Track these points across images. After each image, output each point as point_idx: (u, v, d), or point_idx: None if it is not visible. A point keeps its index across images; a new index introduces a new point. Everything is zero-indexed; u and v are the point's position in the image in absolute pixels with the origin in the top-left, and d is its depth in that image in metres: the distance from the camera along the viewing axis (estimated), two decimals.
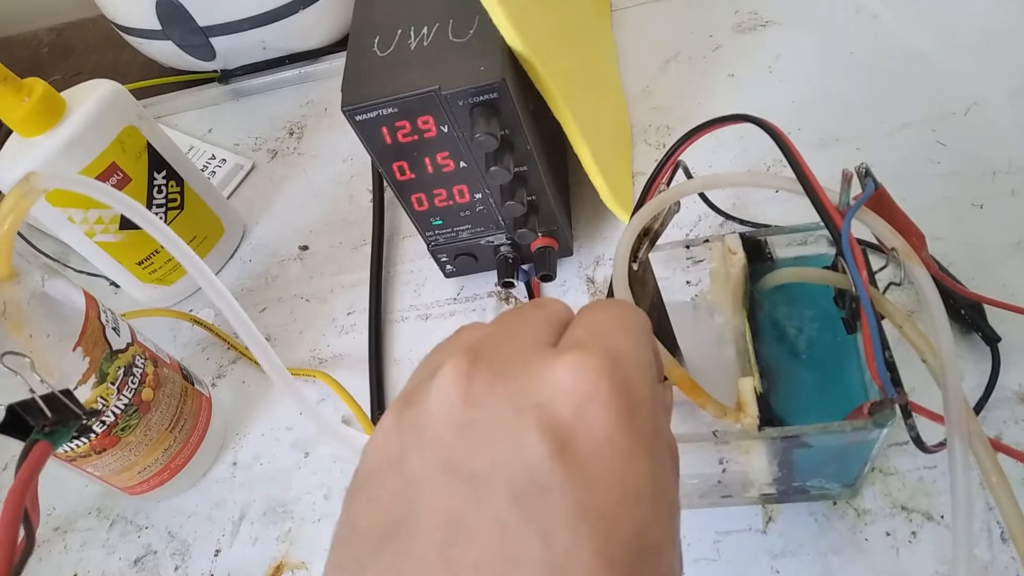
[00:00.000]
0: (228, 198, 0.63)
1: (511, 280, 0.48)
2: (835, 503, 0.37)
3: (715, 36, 0.59)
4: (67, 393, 0.30)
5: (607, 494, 0.20)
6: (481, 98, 0.39)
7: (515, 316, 0.25)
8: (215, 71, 0.71)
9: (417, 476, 0.21)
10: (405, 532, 0.20)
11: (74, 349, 0.39)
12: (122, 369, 0.42)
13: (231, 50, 0.68)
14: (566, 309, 0.26)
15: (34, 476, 0.26)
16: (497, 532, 0.19)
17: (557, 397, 0.21)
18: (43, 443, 0.27)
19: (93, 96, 0.48)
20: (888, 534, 0.36)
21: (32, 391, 0.30)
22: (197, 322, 0.56)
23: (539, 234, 0.47)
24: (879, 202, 0.32)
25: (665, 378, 0.30)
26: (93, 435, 0.41)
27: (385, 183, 0.57)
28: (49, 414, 0.29)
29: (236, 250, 0.60)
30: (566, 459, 0.20)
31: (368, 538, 0.21)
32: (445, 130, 0.41)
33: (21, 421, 0.28)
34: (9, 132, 0.48)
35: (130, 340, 0.43)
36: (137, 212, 0.36)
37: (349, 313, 0.53)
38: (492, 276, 0.50)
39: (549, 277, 0.48)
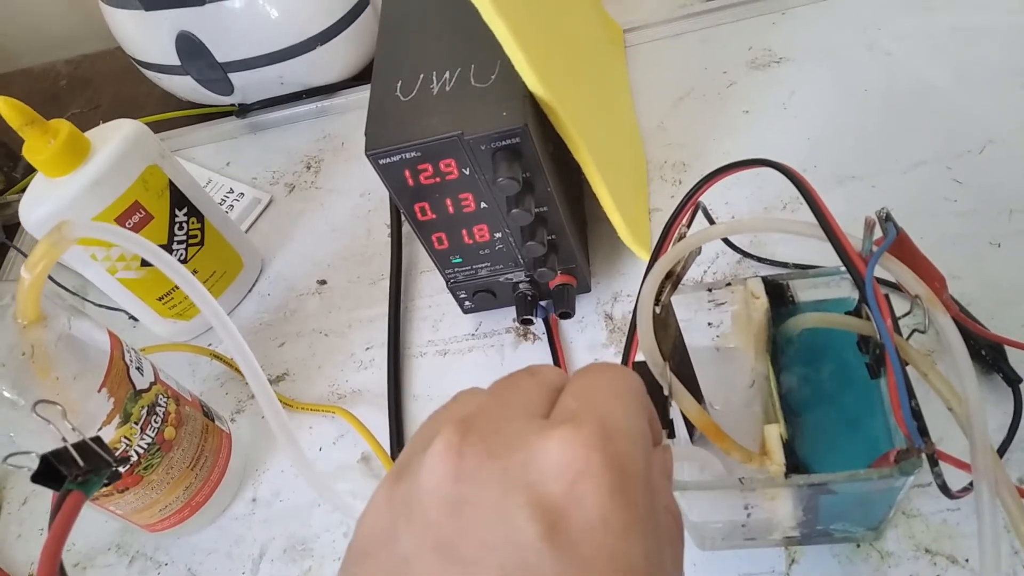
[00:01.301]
0: (246, 232, 0.63)
1: (530, 317, 0.48)
2: (858, 545, 0.37)
3: (729, 73, 0.59)
4: (98, 440, 0.30)
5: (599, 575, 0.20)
6: (504, 143, 0.39)
7: (509, 385, 0.25)
8: (233, 105, 0.72)
9: (408, 555, 0.21)
10: None
11: (99, 390, 0.40)
12: (145, 409, 0.42)
13: (249, 85, 0.69)
14: (559, 375, 0.26)
15: (69, 528, 0.26)
16: None
17: (548, 474, 0.21)
18: (77, 493, 0.28)
19: (117, 136, 0.49)
20: None
21: (64, 439, 0.30)
22: (216, 357, 0.56)
23: (558, 272, 0.47)
24: (900, 246, 0.32)
25: (666, 438, 0.30)
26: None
27: (403, 218, 0.57)
28: (81, 463, 0.29)
29: (254, 284, 0.60)
30: (557, 540, 0.20)
31: None
32: (467, 173, 0.41)
33: (54, 471, 0.28)
34: (33, 170, 0.49)
35: (153, 379, 0.44)
36: (163, 260, 0.37)
37: (368, 348, 0.54)
38: (511, 312, 0.50)
39: (568, 315, 0.48)
